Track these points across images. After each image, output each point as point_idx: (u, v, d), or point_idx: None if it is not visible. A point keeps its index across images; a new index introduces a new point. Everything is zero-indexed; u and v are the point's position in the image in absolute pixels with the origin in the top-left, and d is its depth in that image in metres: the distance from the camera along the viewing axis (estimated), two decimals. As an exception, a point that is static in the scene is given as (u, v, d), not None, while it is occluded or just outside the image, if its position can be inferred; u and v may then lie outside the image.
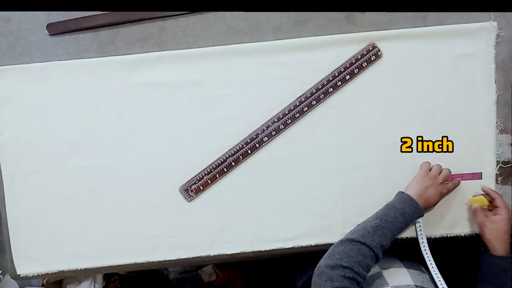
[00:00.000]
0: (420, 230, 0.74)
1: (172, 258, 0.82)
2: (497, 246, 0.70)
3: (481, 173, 0.80)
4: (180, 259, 0.82)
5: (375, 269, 0.69)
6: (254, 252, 0.81)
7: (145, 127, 0.80)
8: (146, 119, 0.79)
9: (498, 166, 0.80)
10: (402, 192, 0.73)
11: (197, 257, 0.82)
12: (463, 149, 0.79)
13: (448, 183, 0.76)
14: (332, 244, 0.66)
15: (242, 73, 0.79)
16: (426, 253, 0.70)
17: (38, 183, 0.80)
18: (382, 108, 0.79)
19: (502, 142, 0.80)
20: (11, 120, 0.80)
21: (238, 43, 0.78)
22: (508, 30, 0.77)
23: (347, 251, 0.60)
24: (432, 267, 0.68)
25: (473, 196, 0.78)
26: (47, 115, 0.80)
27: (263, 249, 0.81)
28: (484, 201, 0.76)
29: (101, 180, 0.80)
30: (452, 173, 0.78)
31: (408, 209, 0.69)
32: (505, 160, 0.80)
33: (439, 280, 0.65)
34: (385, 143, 0.79)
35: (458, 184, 0.78)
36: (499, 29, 0.77)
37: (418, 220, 0.73)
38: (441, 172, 0.76)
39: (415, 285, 0.63)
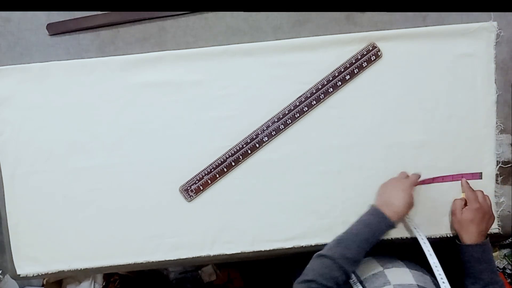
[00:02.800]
0: (418, 233, 0.73)
1: (172, 258, 0.81)
2: (464, 236, 0.72)
3: (481, 173, 0.80)
4: (180, 259, 0.82)
5: (377, 269, 0.70)
6: (254, 252, 0.81)
7: (145, 127, 0.80)
8: (146, 119, 0.79)
9: (498, 166, 0.80)
10: (372, 204, 0.73)
11: (197, 257, 0.82)
12: (463, 149, 0.79)
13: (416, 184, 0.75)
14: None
15: (242, 73, 0.79)
16: (430, 255, 0.69)
17: (38, 183, 0.80)
18: (382, 108, 0.79)
19: (502, 142, 0.80)
20: (11, 120, 0.80)
21: (238, 43, 0.78)
22: (508, 30, 0.77)
23: (313, 266, 0.65)
24: (436, 266, 0.68)
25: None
26: (47, 115, 0.80)
27: (263, 249, 0.81)
28: None
29: (101, 180, 0.80)
30: (452, 173, 0.78)
31: (374, 219, 0.69)
32: (505, 160, 0.80)
33: (443, 282, 0.65)
34: (385, 143, 0.79)
35: (419, 177, 0.77)
36: (499, 29, 0.77)
37: (412, 223, 0.74)
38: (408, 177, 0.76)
39: (418, 285, 0.63)
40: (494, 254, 1.28)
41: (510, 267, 1.29)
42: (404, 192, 0.70)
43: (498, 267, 1.30)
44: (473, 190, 0.77)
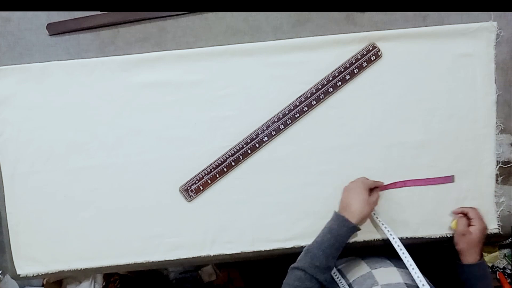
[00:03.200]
0: (388, 231, 0.74)
1: (172, 258, 0.82)
2: (468, 256, 0.72)
3: (453, 176, 0.79)
4: (180, 259, 0.82)
5: (365, 270, 0.70)
6: (254, 252, 0.81)
7: (145, 127, 0.80)
8: (146, 119, 0.79)
9: (498, 166, 0.80)
10: (336, 210, 0.74)
11: (197, 257, 0.82)
12: (463, 149, 0.79)
13: (375, 194, 0.75)
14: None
15: (242, 73, 0.79)
16: (403, 253, 0.69)
17: (38, 183, 0.80)
18: (382, 108, 0.79)
19: (502, 142, 0.80)
20: (11, 120, 0.80)
21: (238, 43, 0.78)
22: (508, 30, 0.77)
23: (287, 280, 0.67)
24: (410, 264, 0.67)
25: (452, 222, 0.78)
26: (47, 115, 0.80)
27: (263, 249, 0.81)
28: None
29: (101, 180, 0.80)
30: (426, 177, 0.79)
31: (335, 225, 0.70)
32: (505, 160, 0.80)
33: (418, 277, 0.64)
34: (385, 143, 0.79)
35: (382, 188, 0.78)
36: (499, 29, 0.77)
37: (378, 217, 0.75)
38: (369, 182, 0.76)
39: (405, 283, 0.63)
40: (494, 254, 1.28)
41: (510, 267, 1.29)
42: (359, 194, 0.72)
43: (498, 267, 1.30)
44: (475, 208, 0.76)
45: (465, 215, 0.76)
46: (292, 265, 0.68)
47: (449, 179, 0.79)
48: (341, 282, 0.70)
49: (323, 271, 0.66)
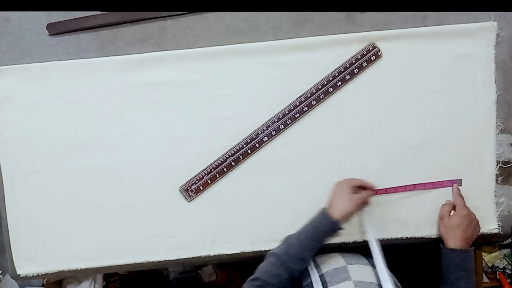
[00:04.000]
0: (368, 229, 0.74)
1: (172, 258, 0.81)
2: (449, 241, 0.73)
3: (460, 180, 0.79)
4: (180, 259, 0.82)
5: (340, 263, 0.69)
6: (254, 252, 0.81)
7: (145, 127, 0.80)
8: (146, 119, 0.79)
9: (498, 166, 0.80)
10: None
11: (197, 257, 0.82)
12: (463, 149, 0.79)
13: (362, 192, 0.75)
14: (334, 243, 0.76)
15: (242, 73, 0.79)
16: (374, 252, 0.70)
17: (38, 183, 0.80)
18: (382, 108, 0.79)
19: (502, 142, 0.80)
20: (11, 120, 0.80)
21: (238, 43, 0.78)
22: (508, 30, 0.77)
23: (262, 264, 0.68)
24: (379, 262, 0.67)
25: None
26: (47, 115, 0.80)
27: (263, 249, 0.81)
28: None
29: (101, 180, 0.80)
30: (428, 179, 0.79)
31: (318, 218, 0.71)
32: (505, 160, 0.80)
33: (383, 274, 0.64)
34: (385, 143, 0.79)
35: (372, 193, 0.77)
36: (499, 29, 0.77)
37: (366, 221, 0.75)
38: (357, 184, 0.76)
39: (378, 284, 0.63)
40: (494, 254, 1.28)
41: (510, 267, 1.29)
42: (342, 190, 0.72)
43: (498, 267, 1.30)
44: (462, 196, 0.77)
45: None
46: (269, 251, 0.69)
47: (456, 182, 0.79)
48: (313, 272, 0.70)
49: (297, 261, 0.66)
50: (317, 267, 0.71)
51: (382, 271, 0.64)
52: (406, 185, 0.79)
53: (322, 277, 0.67)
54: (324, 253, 0.74)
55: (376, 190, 0.78)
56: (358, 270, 0.66)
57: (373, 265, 0.68)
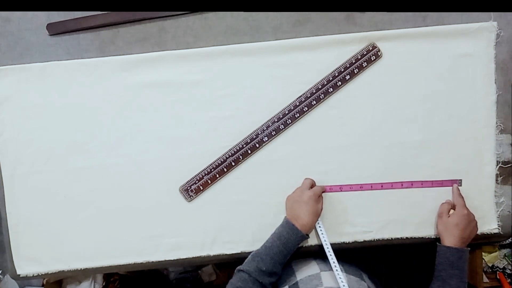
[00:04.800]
0: (322, 233, 0.75)
1: (172, 258, 0.82)
2: (446, 239, 0.74)
3: (460, 180, 0.80)
4: (180, 259, 0.82)
5: (314, 270, 0.71)
6: (254, 252, 0.81)
7: (145, 127, 0.80)
8: (146, 119, 0.79)
9: (498, 166, 0.80)
10: (285, 216, 0.75)
11: (197, 257, 0.82)
12: (463, 149, 0.79)
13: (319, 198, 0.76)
14: (334, 243, 0.76)
15: (242, 73, 0.79)
16: (331, 255, 0.72)
17: (38, 183, 0.80)
18: (382, 108, 0.79)
19: (502, 142, 0.80)
20: (11, 120, 0.80)
21: (238, 43, 0.78)
22: (508, 30, 0.77)
23: (232, 281, 0.69)
24: (335, 267, 0.70)
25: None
26: (47, 115, 0.80)
27: (263, 249, 0.81)
28: None
29: (101, 180, 0.80)
30: (428, 178, 0.79)
31: (285, 231, 0.72)
32: (505, 160, 0.80)
33: (342, 281, 0.66)
34: (385, 143, 0.79)
35: (386, 186, 0.79)
36: (499, 29, 0.77)
37: (319, 223, 0.76)
38: (312, 188, 0.77)
39: None
40: (494, 254, 1.28)
41: (510, 267, 1.29)
42: (307, 204, 0.73)
43: (498, 267, 1.30)
44: (462, 196, 0.78)
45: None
46: (238, 267, 0.71)
47: (457, 182, 0.79)
48: (289, 279, 0.72)
49: (269, 276, 0.69)
50: (293, 274, 0.73)
51: (339, 276, 0.67)
52: (402, 182, 0.79)
53: (296, 284, 0.69)
54: (301, 257, 0.76)
55: (362, 185, 0.79)
56: (331, 276, 0.68)
57: (346, 271, 0.70)
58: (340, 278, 0.66)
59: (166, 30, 0.78)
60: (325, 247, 0.73)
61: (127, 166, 0.80)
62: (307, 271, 0.71)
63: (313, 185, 0.78)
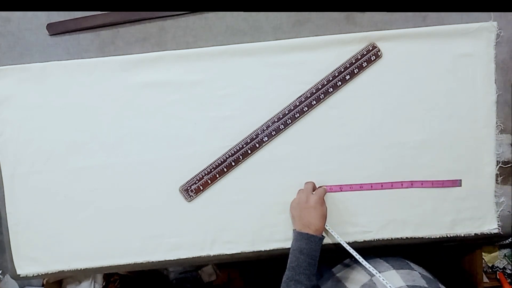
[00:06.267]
0: (334, 234, 0.75)
1: (172, 258, 0.82)
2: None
3: (460, 180, 0.79)
4: (180, 259, 0.82)
5: (365, 278, 0.70)
6: (254, 252, 0.81)
7: (145, 127, 0.80)
8: (146, 119, 0.79)
9: (498, 166, 0.80)
10: (294, 229, 0.74)
11: (197, 257, 0.82)
12: (463, 149, 0.79)
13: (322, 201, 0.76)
14: (333, 243, 0.78)
15: (242, 73, 0.79)
16: (356, 255, 0.71)
17: (38, 183, 0.80)
18: (382, 108, 0.79)
19: (502, 142, 0.80)
20: (11, 120, 0.80)
21: (238, 43, 0.78)
22: (508, 30, 0.77)
23: None
24: (359, 258, 0.70)
25: None
26: (47, 115, 0.80)
27: (263, 249, 0.81)
28: None
29: (101, 180, 0.80)
30: (429, 179, 0.79)
31: (303, 244, 0.71)
32: (505, 160, 0.80)
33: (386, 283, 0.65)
34: (385, 143, 0.79)
35: (385, 186, 0.79)
36: (499, 29, 0.77)
37: (327, 225, 0.76)
38: (314, 191, 0.77)
39: (407, 285, 0.63)
40: (494, 254, 1.28)
41: (510, 267, 1.29)
42: (316, 209, 0.72)
43: (498, 267, 1.29)
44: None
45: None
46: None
47: (456, 183, 0.79)
48: None
49: (309, 279, 0.68)
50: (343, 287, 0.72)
51: (382, 278, 0.65)
52: (402, 182, 0.79)
53: None
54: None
55: (362, 184, 0.79)
56: (381, 279, 0.65)
57: (393, 267, 0.69)
58: (383, 280, 0.65)
59: (166, 30, 0.78)
60: (347, 248, 0.72)
61: (127, 166, 0.80)
62: (358, 282, 0.70)
63: (314, 188, 0.78)
